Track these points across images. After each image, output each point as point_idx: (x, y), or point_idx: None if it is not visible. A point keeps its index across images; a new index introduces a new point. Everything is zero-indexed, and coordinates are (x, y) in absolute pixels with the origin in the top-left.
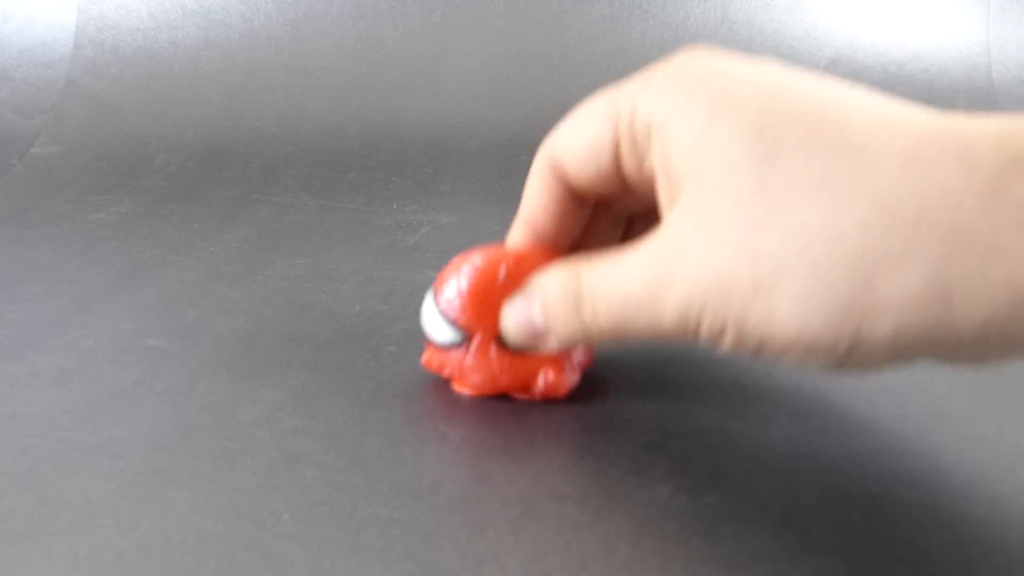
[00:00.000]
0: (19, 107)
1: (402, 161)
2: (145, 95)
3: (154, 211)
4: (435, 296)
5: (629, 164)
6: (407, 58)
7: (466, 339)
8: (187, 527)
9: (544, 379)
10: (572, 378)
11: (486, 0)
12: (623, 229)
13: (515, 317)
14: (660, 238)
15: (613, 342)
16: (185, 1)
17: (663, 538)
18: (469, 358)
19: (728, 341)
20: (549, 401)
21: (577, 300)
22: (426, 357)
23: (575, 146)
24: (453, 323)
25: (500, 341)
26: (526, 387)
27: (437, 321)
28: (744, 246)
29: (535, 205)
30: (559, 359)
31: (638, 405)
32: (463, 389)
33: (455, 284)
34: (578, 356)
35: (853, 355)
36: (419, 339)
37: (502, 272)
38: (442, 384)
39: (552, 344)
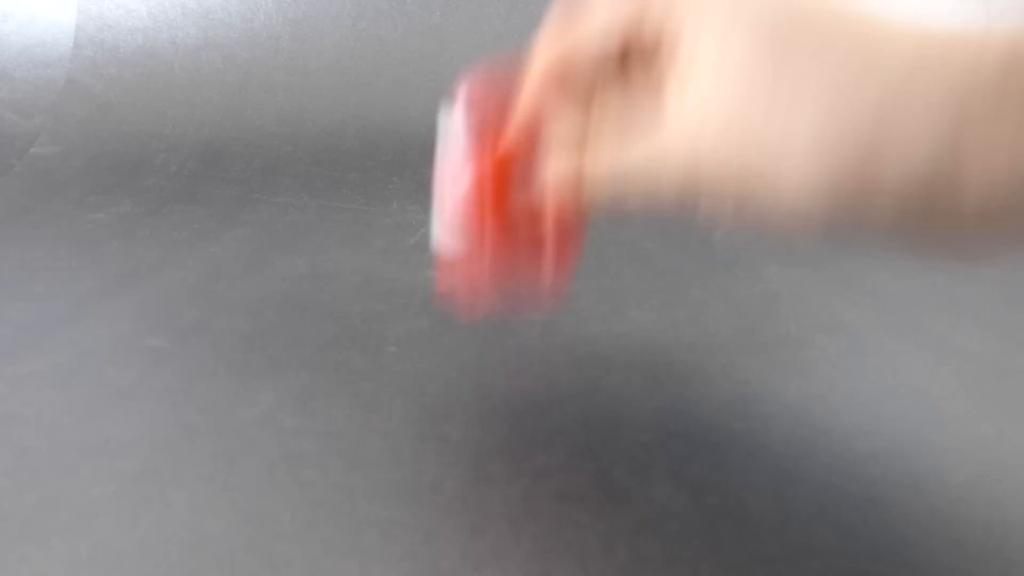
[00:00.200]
0: (19, 107)
1: (402, 161)
2: (145, 95)
3: (154, 211)
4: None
5: (635, 55)
6: (407, 58)
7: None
8: (187, 527)
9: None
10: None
11: (486, 0)
12: None
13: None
14: (671, 116)
15: (608, 208)
16: (185, 1)
17: (663, 538)
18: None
19: (730, 208)
20: (549, 400)
21: (580, 148)
22: (442, 274)
23: (586, 36)
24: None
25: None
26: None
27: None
28: (754, 124)
29: (536, 112)
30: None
31: (638, 405)
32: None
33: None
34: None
35: (854, 221)
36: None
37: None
38: (442, 384)
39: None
